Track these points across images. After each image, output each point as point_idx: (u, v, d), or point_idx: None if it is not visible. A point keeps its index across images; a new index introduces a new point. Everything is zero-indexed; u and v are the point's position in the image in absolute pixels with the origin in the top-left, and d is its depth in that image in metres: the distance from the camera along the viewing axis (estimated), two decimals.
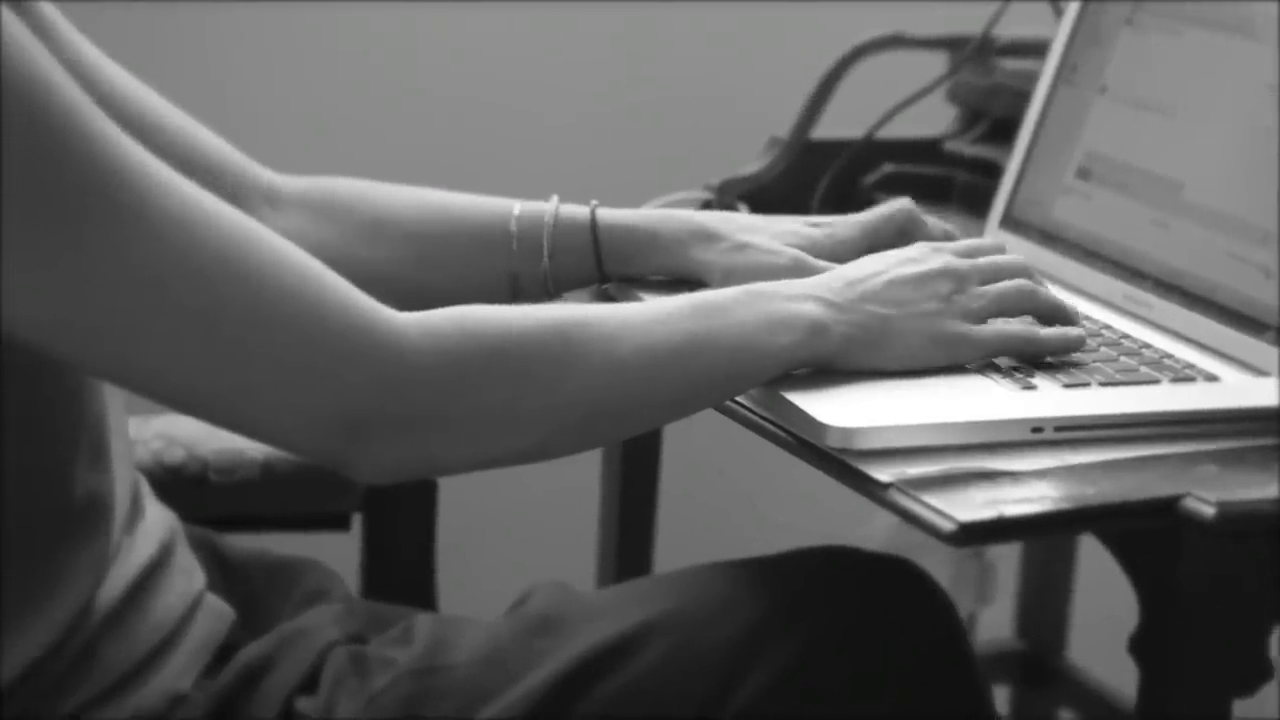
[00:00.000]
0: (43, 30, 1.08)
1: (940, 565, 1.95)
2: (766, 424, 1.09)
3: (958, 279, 1.12)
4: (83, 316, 0.91)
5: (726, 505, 2.14)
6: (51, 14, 1.12)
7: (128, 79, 1.18)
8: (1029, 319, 1.15)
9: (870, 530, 2.03)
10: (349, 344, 0.95)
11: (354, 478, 1.00)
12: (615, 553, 1.58)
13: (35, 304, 0.90)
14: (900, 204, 1.26)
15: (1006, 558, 2.13)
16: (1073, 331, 1.15)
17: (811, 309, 1.07)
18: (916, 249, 1.16)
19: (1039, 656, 1.98)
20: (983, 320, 1.12)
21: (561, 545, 1.83)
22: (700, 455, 1.76)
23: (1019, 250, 1.37)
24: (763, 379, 1.08)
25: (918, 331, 1.10)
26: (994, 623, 2.11)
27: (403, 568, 1.44)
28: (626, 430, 1.09)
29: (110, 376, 0.99)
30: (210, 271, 0.92)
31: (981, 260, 1.15)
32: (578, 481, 1.65)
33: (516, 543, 2.13)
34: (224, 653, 1.12)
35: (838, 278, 1.11)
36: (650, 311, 1.05)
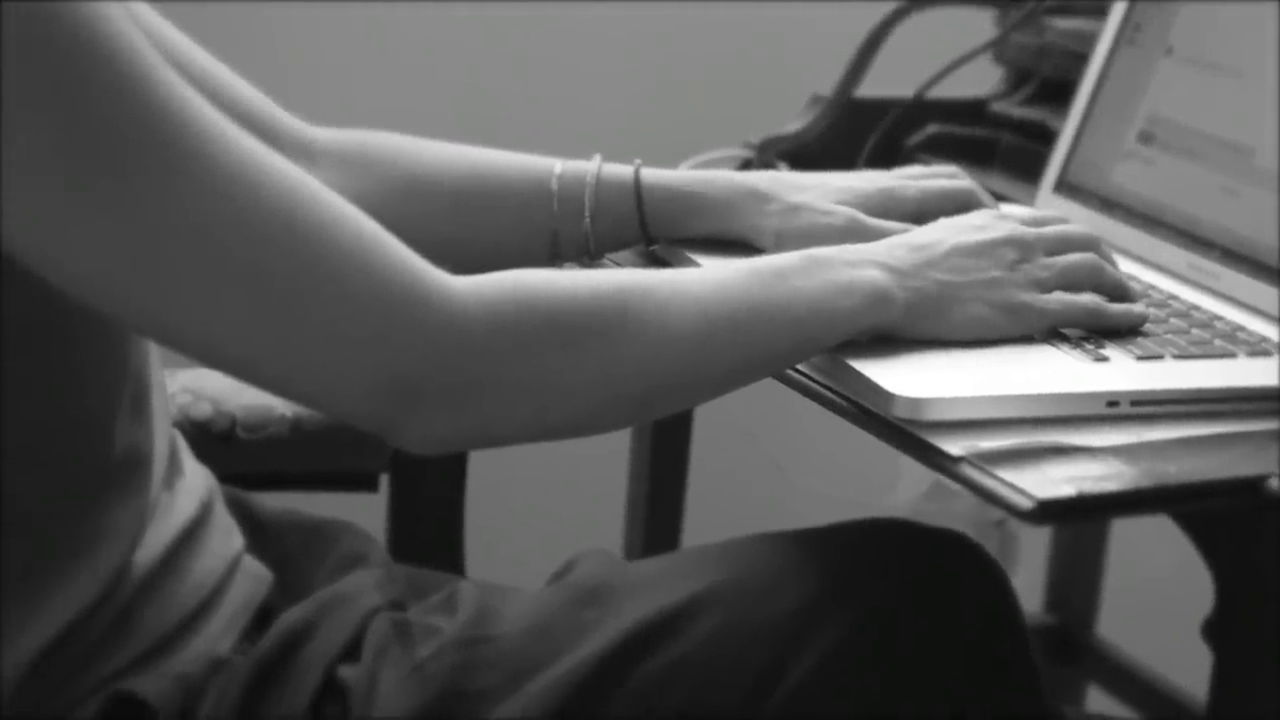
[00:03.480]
0: None
1: None
2: (827, 392, 1.06)
3: (1023, 248, 1.10)
4: (131, 270, 0.88)
5: (754, 471, 2.11)
6: None
7: (168, 25, 1.15)
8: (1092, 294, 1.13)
9: (895, 499, 2.01)
10: (402, 309, 0.92)
11: (404, 446, 0.96)
12: (644, 515, 1.56)
13: (85, 254, 0.87)
14: (960, 184, 1.23)
15: (1032, 529, 2.10)
16: (1137, 309, 1.13)
17: (874, 274, 1.05)
18: (980, 216, 1.14)
19: (1069, 632, 1.95)
20: (1048, 291, 1.10)
21: (590, 508, 1.81)
22: (730, 420, 1.74)
23: (1074, 215, 1.33)
24: (824, 346, 1.05)
25: (981, 299, 1.08)
26: (1021, 596, 2.09)
27: (430, 531, 1.41)
28: (684, 401, 1.07)
29: (155, 333, 0.96)
30: (263, 228, 0.89)
31: (1048, 230, 1.13)
32: (607, 444, 1.62)
33: (545, 506, 2.11)
34: (261, 616, 1.10)
35: (899, 244, 1.09)
36: (708, 278, 1.02)
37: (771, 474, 2.11)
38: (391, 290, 0.92)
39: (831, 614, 1.03)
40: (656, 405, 1.07)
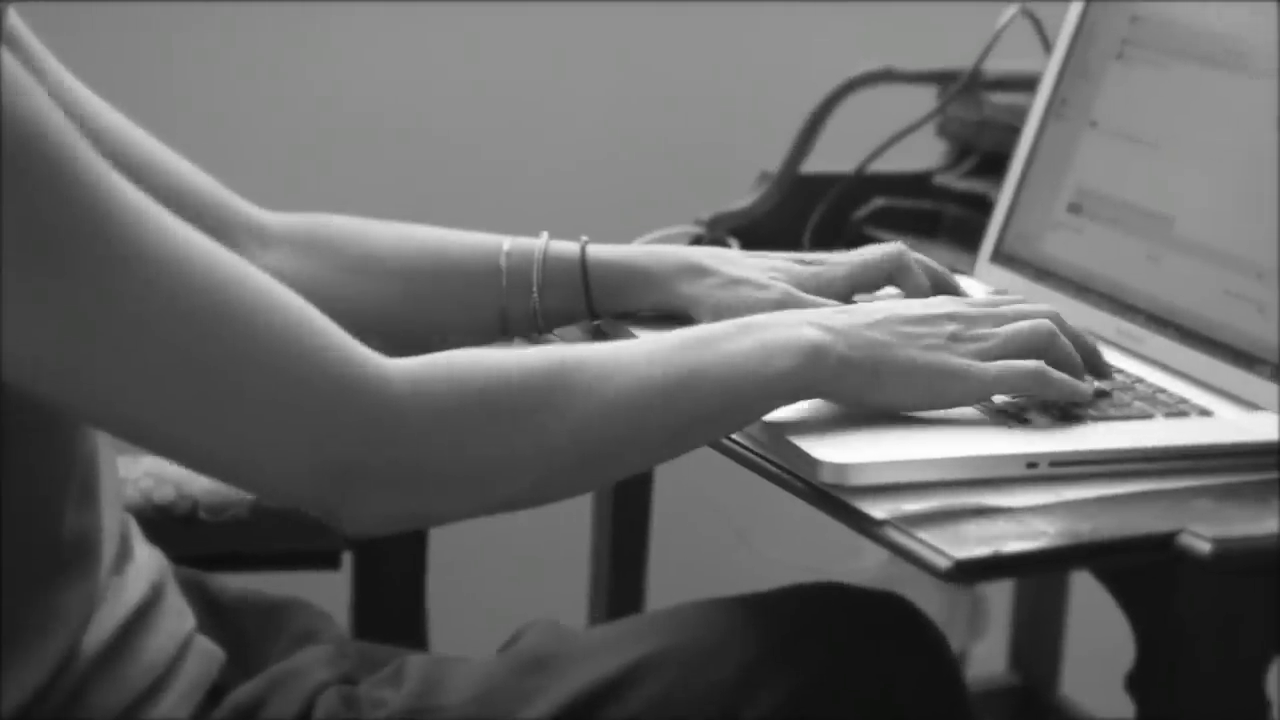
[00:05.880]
0: (30, 64, 1.07)
1: (931, 600, 1.95)
2: (760, 460, 1.08)
3: (966, 321, 1.09)
4: (67, 359, 0.89)
5: (718, 539, 2.13)
6: (37, 47, 1.11)
7: (111, 112, 1.17)
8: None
9: (861, 564, 2.03)
10: (336, 393, 0.94)
11: (342, 529, 0.98)
12: (607, 587, 1.58)
13: (21, 344, 0.88)
14: (892, 249, 1.24)
15: (999, 591, 2.13)
16: (1082, 385, 1.10)
17: (809, 333, 1.04)
18: (931, 299, 1.13)
19: (1032, 691, 1.97)
20: (991, 360, 1.08)
21: (553, 580, 1.83)
22: (692, 490, 1.76)
23: (1011, 285, 1.37)
24: (761, 411, 1.06)
25: (915, 361, 1.06)
26: (986, 657, 2.11)
27: (393, 606, 1.43)
28: (623, 470, 1.08)
29: (93, 420, 0.98)
30: (197, 316, 0.91)
31: (998, 310, 1.11)
32: (570, 516, 1.64)
33: (508, 579, 2.12)
34: (214, 694, 1.11)
35: (839, 309, 1.09)
36: (640, 349, 1.03)
37: (735, 542, 2.13)
38: (325, 375, 0.93)
39: (770, 678, 1.06)
40: (595, 475, 1.08)
